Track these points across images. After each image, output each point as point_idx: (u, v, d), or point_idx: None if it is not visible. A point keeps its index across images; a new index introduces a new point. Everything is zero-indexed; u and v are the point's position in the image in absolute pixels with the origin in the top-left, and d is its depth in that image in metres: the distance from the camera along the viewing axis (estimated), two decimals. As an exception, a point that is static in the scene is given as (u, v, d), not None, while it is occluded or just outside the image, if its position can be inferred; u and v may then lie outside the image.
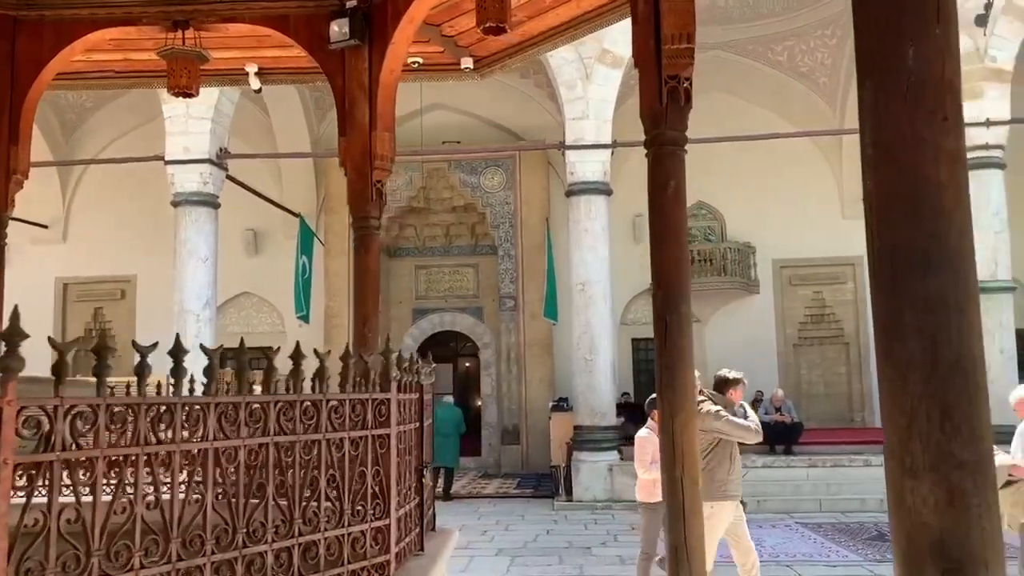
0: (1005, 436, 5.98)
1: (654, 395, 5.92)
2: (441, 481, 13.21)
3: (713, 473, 5.53)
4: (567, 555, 8.59)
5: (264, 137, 17.63)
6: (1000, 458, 5.84)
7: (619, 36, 12.74)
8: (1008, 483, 5.61)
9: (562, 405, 14.03)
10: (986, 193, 12.06)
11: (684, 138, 4.11)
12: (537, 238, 16.81)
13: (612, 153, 13.17)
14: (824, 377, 17.77)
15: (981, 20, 12.05)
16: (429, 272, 18.59)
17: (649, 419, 6.40)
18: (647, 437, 6.22)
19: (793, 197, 17.61)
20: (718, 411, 5.65)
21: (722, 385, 5.95)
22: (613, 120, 17.46)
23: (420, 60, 7.41)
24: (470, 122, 18.14)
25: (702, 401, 5.62)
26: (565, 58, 12.86)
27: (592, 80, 12.79)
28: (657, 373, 3.94)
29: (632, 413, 15.55)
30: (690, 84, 4.08)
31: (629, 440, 13.97)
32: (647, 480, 6.18)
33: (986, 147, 12.09)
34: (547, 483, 13.93)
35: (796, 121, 17.27)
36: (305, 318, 16.26)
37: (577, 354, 12.65)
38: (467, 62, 7.59)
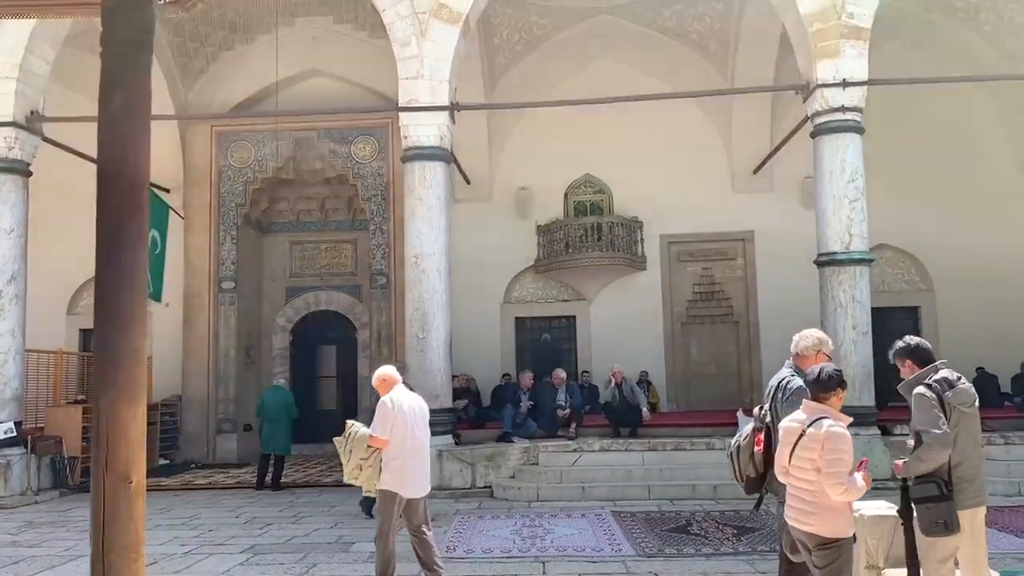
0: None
1: (828, 369, 4.22)
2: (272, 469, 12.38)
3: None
4: (317, 552, 7.76)
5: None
6: (362, 429, 5.94)
7: (457, -10, 11.88)
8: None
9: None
10: (840, 159, 11.29)
11: (146, 39, 3.21)
12: (410, 211, 15.92)
13: (453, 118, 12.25)
14: (715, 357, 17.03)
15: (838, -27, 11.27)
16: (304, 248, 17.68)
17: (807, 404, 4.16)
18: (840, 434, 3.95)
19: (682, 171, 16.81)
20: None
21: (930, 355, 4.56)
22: (491, 87, 16.74)
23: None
24: (348, 89, 17.19)
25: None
26: (399, 13, 11.96)
27: (427, 37, 11.88)
28: (94, 338, 3.07)
29: (505, 395, 14.73)
30: (154, -34, 3.19)
31: (471, 424, 13.11)
32: (838, 506, 3.98)
33: (842, 110, 11.30)
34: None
35: (687, 90, 16.40)
36: (155, 296, 15.29)
37: (409, 331, 11.80)
38: (161, -8, 6.68)
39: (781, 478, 4.28)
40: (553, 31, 16.78)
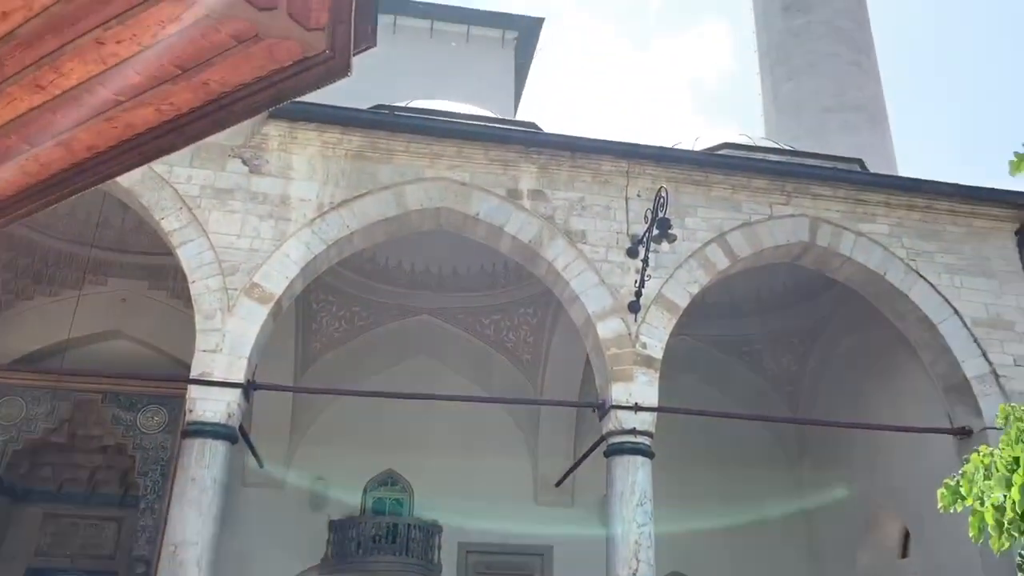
0: None
1: None
2: None
3: None
4: None
5: None
6: None
7: (272, 270, 11.91)
8: None
9: None
10: (632, 480, 11.40)
11: None
12: (190, 492, 14.53)
13: (248, 397, 11.69)
14: None
15: (633, 307, 12.18)
16: (59, 523, 15.56)
17: None
18: None
19: (487, 476, 16.53)
20: None
21: None
22: (303, 370, 16.42)
23: None
24: (152, 355, 16.32)
25: None
26: (208, 286, 11.72)
27: (234, 313, 11.60)
28: None
29: None
30: None
31: None
32: None
33: (634, 432, 11.63)
34: None
35: (499, 396, 16.71)
36: None
37: (149, 635, 10.15)
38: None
39: None
40: (374, 324, 17.03)
